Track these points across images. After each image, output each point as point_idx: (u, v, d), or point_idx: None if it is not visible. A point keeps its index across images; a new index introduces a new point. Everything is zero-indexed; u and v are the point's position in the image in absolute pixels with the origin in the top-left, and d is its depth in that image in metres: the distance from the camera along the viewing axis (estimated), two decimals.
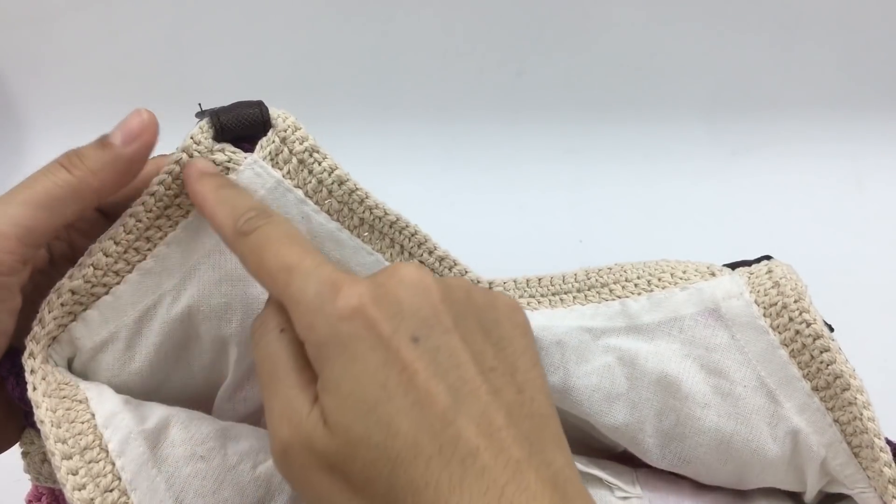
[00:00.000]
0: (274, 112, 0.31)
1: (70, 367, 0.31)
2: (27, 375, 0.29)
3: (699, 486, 0.35)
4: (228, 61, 0.67)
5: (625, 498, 0.34)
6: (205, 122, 0.30)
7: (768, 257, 0.34)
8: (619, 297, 0.34)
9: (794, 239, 0.63)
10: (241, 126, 0.30)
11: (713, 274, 0.33)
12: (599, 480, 0.34)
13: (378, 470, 0.21)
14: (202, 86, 0.67)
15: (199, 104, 0.31)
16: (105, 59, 0.67)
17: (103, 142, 0.28)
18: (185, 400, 0.32)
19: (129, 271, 0.30)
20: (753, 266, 0.33)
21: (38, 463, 0.31)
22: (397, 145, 0.70)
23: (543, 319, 0.34)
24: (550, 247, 0.63)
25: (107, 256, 0.30)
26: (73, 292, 0.29)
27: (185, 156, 0.30)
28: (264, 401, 0.24)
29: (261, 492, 0.29)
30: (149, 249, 0.30)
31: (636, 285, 0.34)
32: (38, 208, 0.27)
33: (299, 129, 0.31)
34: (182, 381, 0.32)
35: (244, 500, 0.29)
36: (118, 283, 0.30)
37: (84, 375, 0.31)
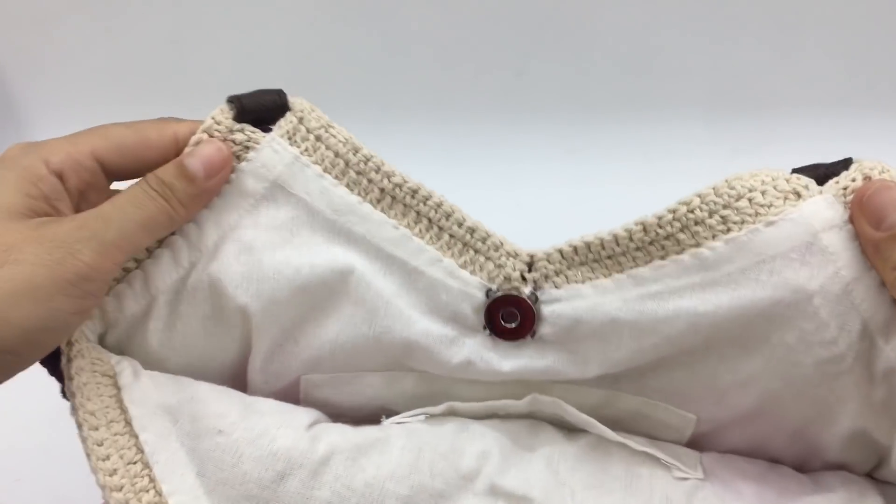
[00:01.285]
0: (292, 98, 0.32)
1: (103, 342, 0.32)
2: (62, 346, 0.30)
3: (768, 475, 0.33)
4: (228, 61, 0.67)
5: (682, 479, 0.33)
6: (226, 105, 0.31)
7: (850, 160, 0.29)
8: (690, 248, 0.29)
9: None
10: (261, 108, 0.31)
11: (798, 195, 0.28)
12: (656, 460, 0.33)
13: None
14: (202, 86, 0.67)
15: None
16: (105, 59, 0.67)
17: (186, 174, 0.30)
18: (223, 374, 0.33)
19: (158, 246, 0.31)
20: (841, 176, 0.29)
21: None
22: (397, 145, 0.69)
23: (594, 295, 0.31)
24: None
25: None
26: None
27: (205, 136, 0.31)
28: None
29: (280, 465, 0.29)
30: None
31: (709, 227, 0.28)
32: (143, 229, 0.29)
33: (315, 109, 0.32)
34: (216, 353, 0.33)
35: (264, 474, 0.29)
36: (147, 258, 0.31)
37: (118, 350, 0.32)
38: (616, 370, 0.32)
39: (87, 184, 0.30)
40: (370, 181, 0.31)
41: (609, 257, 0.31)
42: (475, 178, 0.67)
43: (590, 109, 0.68)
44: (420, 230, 0.32)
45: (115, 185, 0.32)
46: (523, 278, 0.32)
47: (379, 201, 0.31)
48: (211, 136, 0.31)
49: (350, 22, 0.66)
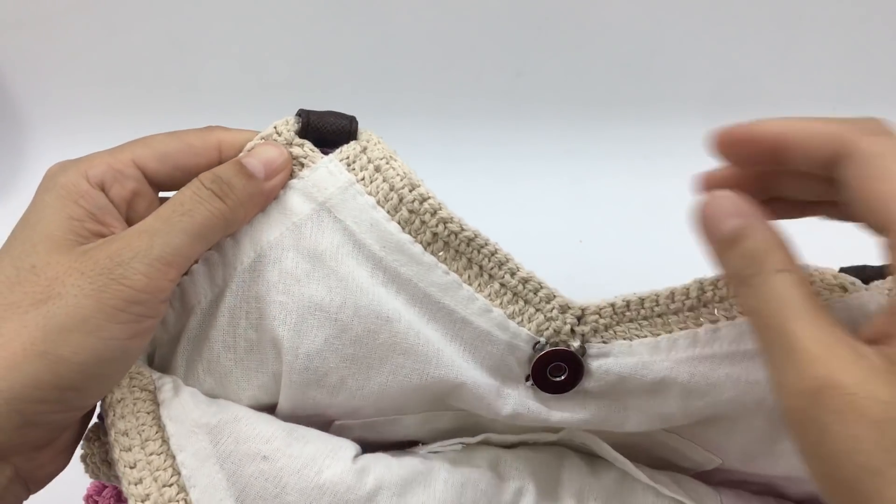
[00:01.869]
0: (362, 128, 0.30)
1: (151, 363, 0.31)
2: None
3: None
4: (229, 62, 0.67)
5: None
6: (291, 118, 0.30)
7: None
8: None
9: (793, 238, 0.63)
10: (327, 129, 0.30)
11: (844, 289, 0.28)
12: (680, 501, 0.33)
13: None
14: (202, 86, 0.67)
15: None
16: (105, 60, 0.67)
17: (246, 172, 0.28)
18: (261, 400, 0.31)
19: (195, 261, 0.29)
20: (889, 280, 0.28)
21: (99, 463, 0.30)
22: (396, 145, 0.69)
23: (644, 353, 0.29)
24: (550, 247, 0.63)
25: None
26: None
27: (261, 142, 0.29)
28: (764, 347, 0.23)
29: (326, 500, 0.28)
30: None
31: None
32: (196, 238, 0.27)
33: (381, 142, 0.30)
34: (253, 379, 0.30)
35: None
36: (185, 274, 0.29)
37: (163, 370, 0.30)
38: (658, 426, 0.32)
39: (132, 193, 0.28)
40: (423, 223, 0.29)
41: (661, 315, 0.30)
42: (475, 177, 0.67)
43: (589, 109, 0.68)
44: (469, 276, 0.30)
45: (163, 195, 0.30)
46: (573, 331, 0.30)
47: (430, 244, 0.29)
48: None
49: (350, 22, 0.66)
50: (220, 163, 0.29)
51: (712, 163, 0.28)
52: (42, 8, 0.65)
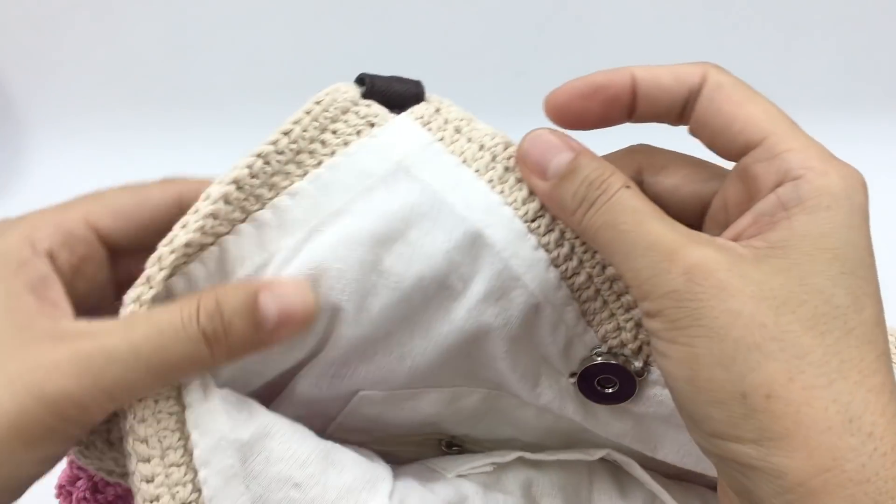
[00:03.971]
0: (429, 94, 0.28)
1: None
2: None
3: None
4: (229, 62, 0.67)
5: None
6: (353, 84, 0.27)
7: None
8: None
9: None
10: (393, 93, 0.27)
11: None
12: None
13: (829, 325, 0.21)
14: (202, 86, 0.67)
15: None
16: (105, 60, 0.67)
17: (255, 318, 0.23)
18: (269, 378, 0.28)
19: (243, 220, 0.25)
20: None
21: (103, 447, 0.26)
22: None
23: None
24: None
25: (227, 204, 0.24)
26: (188, 245, 0.24)
27: (328, 98, 0.26)
28: (624, 255, 0.23)
29: None
30: (270, 198, 0.25)
31: None
32: (157, 379, 0.23)
33: (454, 106, 0.28)
34: (278, 358, 0.27)
35: None
36: (228, 233, 0.25)
37: None
38: (690, 467, 0.30)
39: (81, 258, 0.24)
40: (518, 179, 0.26)
41: None
42: None
43: None
44: (559, 256, 0.26)
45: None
46: (640, 349, 0.27)
47: (525, 202, 0.26)
48: (335, 99, 0.26)
49: (350, 22, 0.66)
50: (181, 216, 0.24)
51: (713, 162, 0.28)
52: (42, 8, 0.65)
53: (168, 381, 0.23)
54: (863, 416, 0.20)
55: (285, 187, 0.25)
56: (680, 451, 0.30)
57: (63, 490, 0.31)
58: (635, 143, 0.28)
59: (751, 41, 0.67)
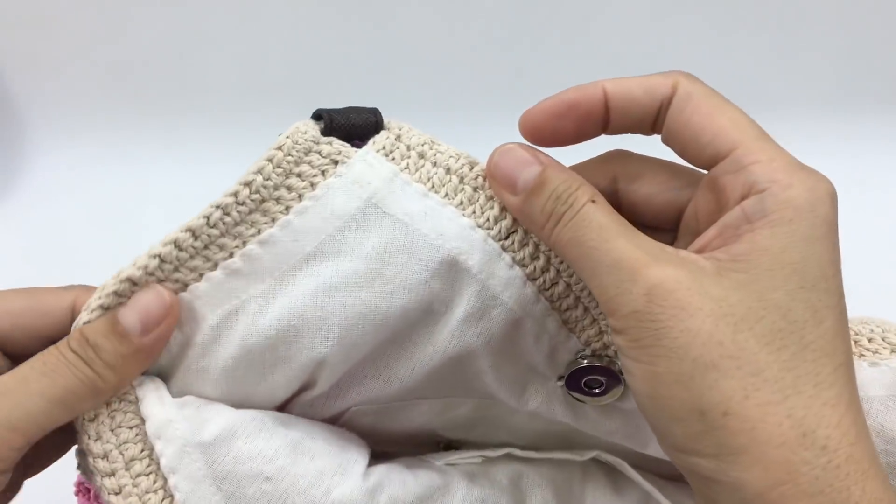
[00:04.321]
0: (388, 119, 0.28)
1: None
2: None
3: None
4: (228, 61, 0.67)
5: None
6: (311, 120, 0.27)
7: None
8: None
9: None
10: (352, 126, 0.27)
11: None
12: None
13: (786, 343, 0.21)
14: (202, 86, 0.67)
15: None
16: (105, 60, 0.67)
17: (118, 331, 0.25)
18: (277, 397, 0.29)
19: (212, 269, 0.26)
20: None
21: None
22: None
23: None
24: None
25: (179, 250, 0.25)
26: (132, 281, 0.25)
27: (289, 141, 0.26)
28: (591, 272, 0.23)
29: None
30: (237, 247, 0.26)
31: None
32: (55, 404, 0.24)
33: (414, 129, 0.28)
34: (263, 398, 0.28)
35: None
36: (196, 281, 0.26)
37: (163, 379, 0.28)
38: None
39: None
40: (489, 197, 0.27)
41: None
42: None
43: None
44: (535, 269, 0.27)
45: None
46: None
47: (496, 220, 0.26)
48: (296, 142, 0.26)
49: (350, 22, 0.66)
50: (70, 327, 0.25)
51: None
52: (42, 8, 0.65)
53: (73, 407, 0.25)
54: (816, 430, 0.20)
55: (252, 235, 0.26)
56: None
57: (82, 487, 0.33)
58: (612, 150, 0.29)
59: (751, 41, 0.67)
